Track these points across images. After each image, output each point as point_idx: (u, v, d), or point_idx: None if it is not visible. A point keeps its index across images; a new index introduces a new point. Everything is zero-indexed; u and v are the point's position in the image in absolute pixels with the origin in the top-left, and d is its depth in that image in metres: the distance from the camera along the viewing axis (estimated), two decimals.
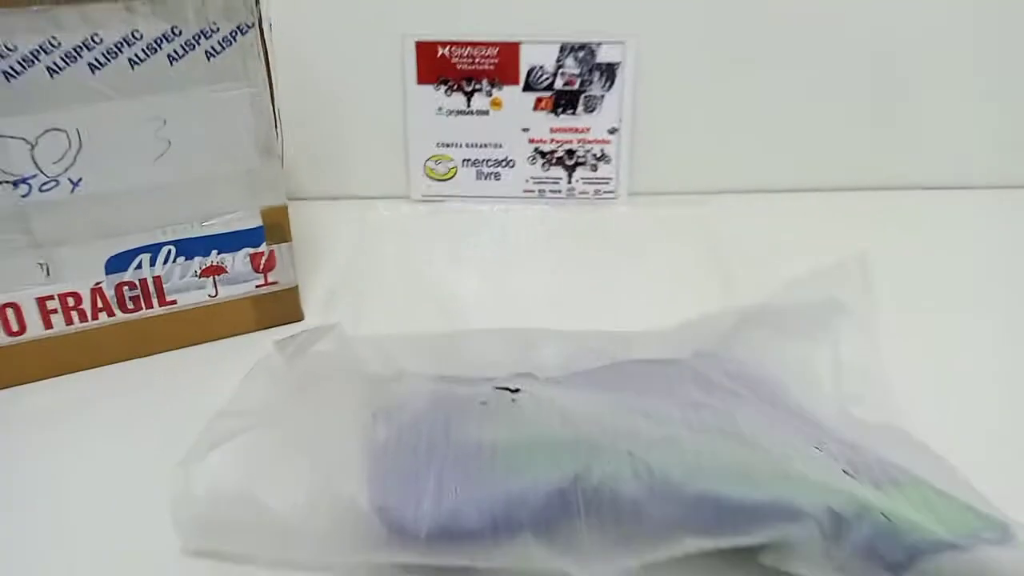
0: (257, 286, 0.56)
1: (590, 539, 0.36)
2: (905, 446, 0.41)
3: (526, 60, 0.69)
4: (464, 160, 0.72)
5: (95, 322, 0.52)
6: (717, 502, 0.35)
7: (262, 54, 0.49)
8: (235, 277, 0.55)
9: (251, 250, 0.54)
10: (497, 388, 0.42)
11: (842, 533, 0.34)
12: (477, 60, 0.69)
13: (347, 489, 0.38)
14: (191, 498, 0.39)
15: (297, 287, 0.57)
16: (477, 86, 0.70)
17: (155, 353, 0.54)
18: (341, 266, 0.64)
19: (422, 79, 0.70)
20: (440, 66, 0.69)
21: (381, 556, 0.38)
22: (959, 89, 0.70)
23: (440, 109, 0.70)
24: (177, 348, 0.55)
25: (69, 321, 0.52)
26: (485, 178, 0.72)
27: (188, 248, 0.52)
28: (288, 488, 0.38)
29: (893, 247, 0.62)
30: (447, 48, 0.68)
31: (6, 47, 0.43)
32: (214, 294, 0.55)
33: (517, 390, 0.42)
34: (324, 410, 0.43)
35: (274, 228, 0.54)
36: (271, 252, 0.55)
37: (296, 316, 0.58)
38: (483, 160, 0.72)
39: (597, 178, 0.72)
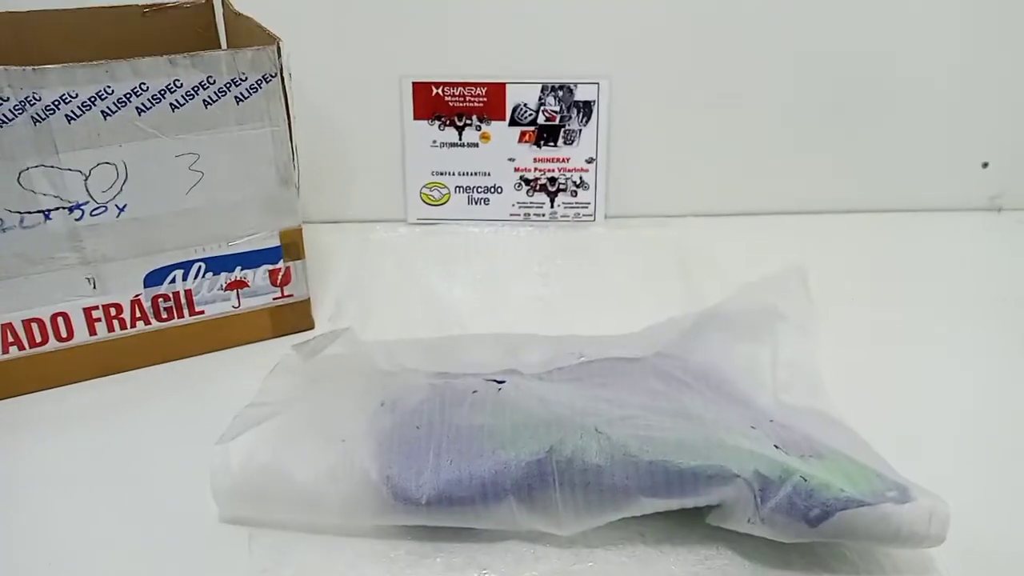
0: (274, 298, 0.63)
1: (563, 502, 0.44)
2: (827, 425, 0.48)
3: (512, 98, 0.77)
4: (456, 187, 0.80)
5: (133, 330, 0.60)
6: (666, 468, 0.43)
7: (283, 98, 0.57)
8: (255, 290, 0.62)
9: (270, 267, 0.62)
10: (486, 380, 0.50)
11: (768, 492, 0.42)
12: (468, 98, 0.77)
13: (360, 462, 0.45)
14: (228, 471, 0.46)
15: (309, 299, 0.65)
16: (468, 121, 0.78)
17: (185, 357, 0.62)
18: (346, 281, 0.72)
19: (418, 115, 0.78)
20: (434, 104, 0.77)
21: (388, 519, 0.45)
22: (903, 118, 0.79)
23: (435, 142, 0.78)
24: (204, 353, 0.62)
25: (111, 329, 0.59)
26: (475, 203, 0.80)
27: (216, 265, 0.60)
28: (310, 462, 0.46)
29: (830, 260, 0.70)
30: (440, 88, 0.77)
31: (69, 95, 0.51)
32: (237, 305, 0.62)
33: (503, 381, 0.50)
34: (338, 398, 0.50)
35: (291, 247, 0.62)
36: (287, 268, 0.62)
37: (308, 325, 0.65)
38: (474, 187, 0.80)
39: (576, 203, 0.80)
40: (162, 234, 0.58)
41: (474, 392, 0.49)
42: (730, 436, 0.45)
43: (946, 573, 0.43)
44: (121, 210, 0.56)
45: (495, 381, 0.50)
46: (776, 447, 0.45)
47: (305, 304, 0.65)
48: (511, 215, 0.80)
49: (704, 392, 0.51)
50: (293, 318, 0.64)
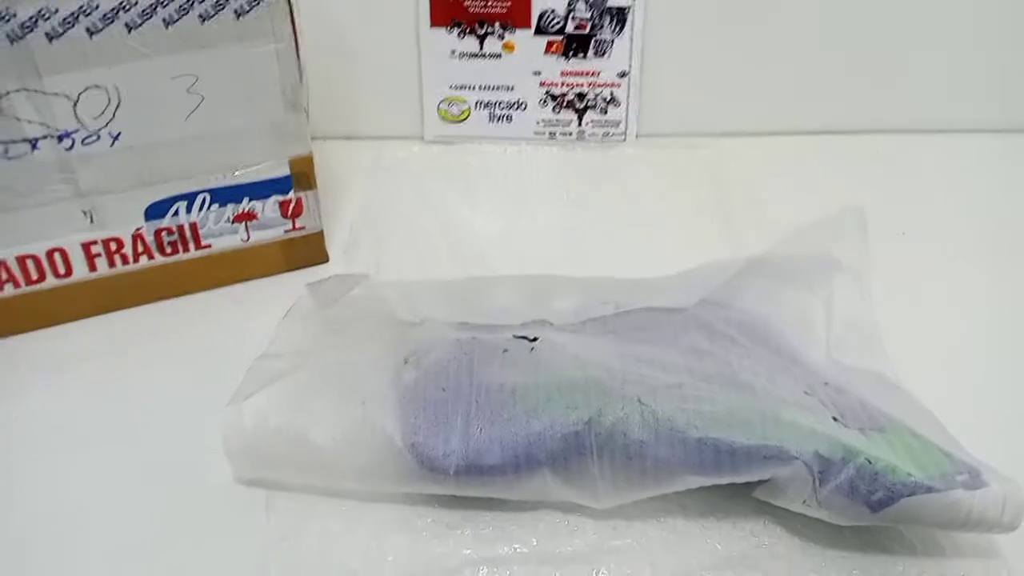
0: (286, 231, 0.59)
1: (601, 476, 0.41)
2: (886, 391, 0.45)
3: (537, 4, 0.70)
4: (477, 102, 0.74)
5: (136, 265, 0.56)
6: (716, 446, 0.39)
7: (288, 12, 0.51)
8: (265, 223, 0.58)
9: (280, 197, 0.57)
10: (516, 337, 0.46)
11: (828, 474, 0.39)
12: (489, 3, 0.70)
13: (382, 426, 0.42)
14: (242, 434, 0.43)
15: (322, 232, 0.60)
16: (489, 29, 0.71)
17: (192, 293, 0.58)
18: (360, 207, 0.67)
19: (435, 22, 0.71)
20: (453, 9, 0.70)
21: (414, 487, 0.42)
22: (962, 30, 0.72)
23: (453, 52, 0.72)
24: (212, 288, 0.58)
25: (112, 264, 0.55)
26: (497, 120, 0.74)
27: (221, 196, 0.55)
28: (328, 424, 0.43)
29: (891, 192, 0.65)
30: None
31: (47, 9, 0.45)
32: (246, 239, 0.58)
33: (535, 339, 0.46)
34: (357, 353, 0.47)
35: (301, 177, 0.57)
36: (298, 199, 0.58)
37: (322, 258, 0.61)
38: (495, 102, 0.74)
39: (606, 121, 0.74)
40: (162, 164, 0.53)
41: (504, 351, 0.45)
42: (786, 409, 0.41)
43: (1012, 558, 0.40)
44: (115, 138, 0.51)
45: (526, 339, 0.46)
46: (835, 419, 0.42)
47: (318, 236, 0.60)
48: (535, 133, 0.75)
49: (751, 348, 0.47)
50: (306, 251, 0.60)
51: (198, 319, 0.56)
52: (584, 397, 0.42)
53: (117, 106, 0.50)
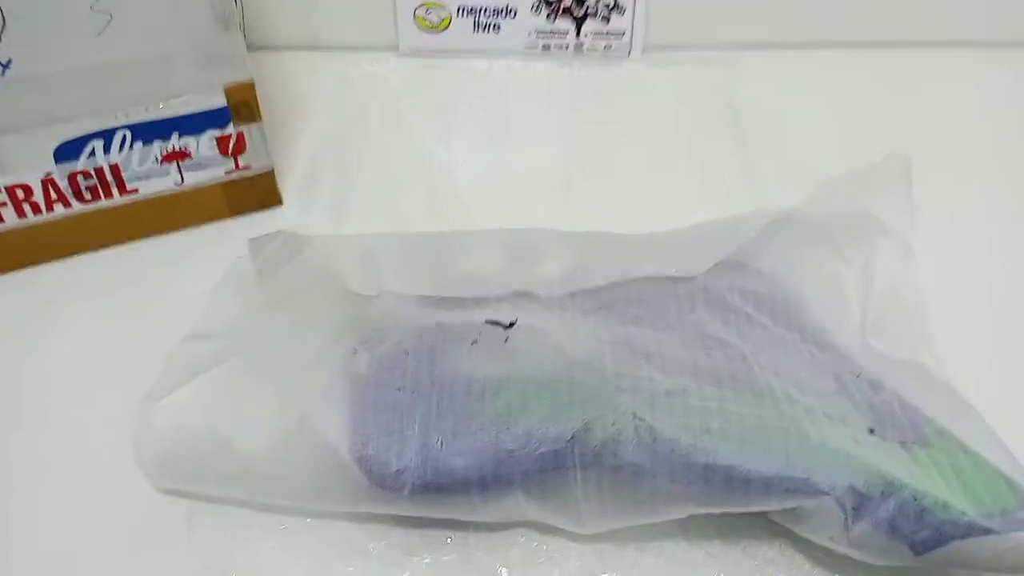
0: (227, 172, 0.50)
1: (586, 500, 0.34)
2: (931, 389, 0.37)
3: None
4: (459, 8, 0.63)
5: (51, 214, 0.47)
6: (728, 474, 0.32)
7: None
8: (202, 162, 0.49)
9: (217, 132, 0.48)
10: (488, 323, 0.38)
11: (864, 511, 0.32)
12: None
13: (325, 435, 0.35)
14: (156, 439, 0.36)
15: (273, 171, 0.52)
16: None
17: (120, 244, 0.50)
18: (321, 137, 0.57)
19: None
20: None
21: (362, 506, 0.35)
22: None
23: None
24: (143, 238, 0.50)
25: (21, 214, 0.47)
26: (483, 29, 0.64)
27: (145, 132, 0.47)
28: (261, 431, 0.36)
29: (930, 115, 0.55)
30: None
31: None
32: (180, 181, 0.49)
33: (510, 325, 0.38)
34: (300, 335, 0.39)
35: (241, 107, 0.48)
36: (239, 134, 0.49)
37: (274, 200, 0.53)
38: (481, 8, 0.63)
39: (609, 31, 0.64)
40: (68, 96, 0.44)
41: (473, 343, 0.37)
42: (814, 425, 0.34)
43: None
44: (5, 67, 0.42)
45: (500, 325, 0.38)
46: (871, 431, 0.34)
47: (268, 176, 0.52)
48: (527, 46, 0.64)
49: (771, 330, 0.40)
50: (254, 194, 0.52)
51: (127, 276, 0.49)
52: (567, 406, 0.34)
53: (3, 27, 0.40)
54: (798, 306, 0.42)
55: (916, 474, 0.32)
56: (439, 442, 0.34)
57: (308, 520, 0.36)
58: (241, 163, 0.50)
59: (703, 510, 0.33)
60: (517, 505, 0.34)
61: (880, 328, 0.40)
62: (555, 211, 0.50)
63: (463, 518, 0.35)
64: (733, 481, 0.32)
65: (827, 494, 0.31)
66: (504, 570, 0.35)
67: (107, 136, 0.46)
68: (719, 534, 0.36)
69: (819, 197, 0.43)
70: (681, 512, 0.34)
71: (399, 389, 0.36)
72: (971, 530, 0.31)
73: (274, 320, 0.40)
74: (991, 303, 0.44)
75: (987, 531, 0.31)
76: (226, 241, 0.46)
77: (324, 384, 0.37)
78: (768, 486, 0.32)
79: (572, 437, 0.33)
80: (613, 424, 0.33)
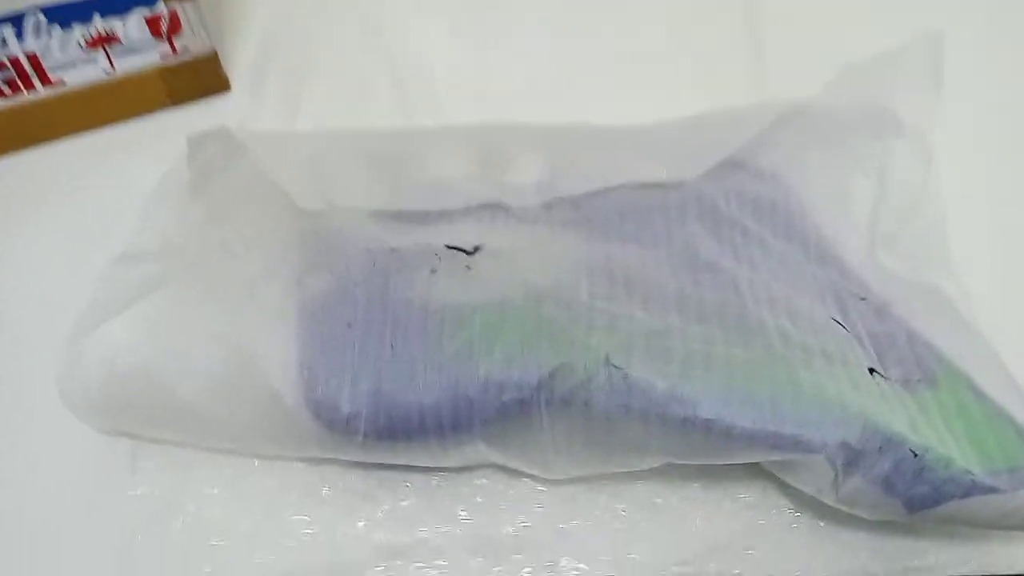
0: (163, 56, 0.44)
1: (555, 450, 0.31)
2: (944, 319, 0.33)
3: None
4: None
5: None
6: (708, 427, 0.29)
7: None
8: (132, 47, 0.43)
9: (146, 12, 0.42)
10: (449, 248, 0.34)
11: (856, 467, 0.29)
12: None
13: (269, 372, 0.32)
14: (84, 379, 0.33)
15: (215, 54, 0.46)
16: None
17: (47, 142, 0.45)
18: (275, 16, 0.51)
19: None
20: None
21: (312, 451, 0.33)
22: None
23: None
24: (75, 133, 0.45)
25: None
26: None
27: (61, 15, 0.41)
28: (200, 370, 0.32)
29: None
30: None
31: None
32: (110, 69, 0.44)
33: (474, 250, 0.34)
34: (241, 256, 0.35)
35: None
36: (172, 13, 0.43)
37: (220, 86, 0.47)
38: None
39: None
40: None
41: (432, 271, 0.33)
42: (808, 368, 0.30)
43: None
44: None
45: (463, 251, 0.34)
46: (872, 371, 0.31)
47: (210, 60, 0.46)
48: None
49: (768, 244, 0.35)
50: (196, 80, 0.46)
51: (57, 180, 0.44)
52: (535, 346, 0.30)
53: None
54: (802, 215, 0.37)
55: (918, 423, 0.29)
56: (393, 387, 0.31)
57: (257, 463, 0.34)
58: (177, 46, 0.44)
59: (680, 461, 0.30)
60: (478, 452, 0.32)
61: (892, 243, 0.36)
62: (542, 103, 0.44)
63: (421, 464, 0.32)
64: (713, 435, 0.29)
65: (818, 452, 0.28)
66: (466, 516, 0.33)
67: (16, 21, 0.40)
68: (698, 476, 0.33)
69: (834, 88, 0.38)
70: (656, 462, 0.31)
71: (349, 325, 0.32)
72: (974, 489, 0.28)
73: (212, 237, 0.36)
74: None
75: (992, 490, 0.28)
76: (171, 136, 0.41)
77: (267, 316, 0.33)
78: (752, 441, 0.29)
79: (538, 384, 0.30)
80: (584, 369, 0.30)
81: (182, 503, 0.33)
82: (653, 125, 0.41)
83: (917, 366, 0.32)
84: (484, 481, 0.33)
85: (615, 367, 0.29)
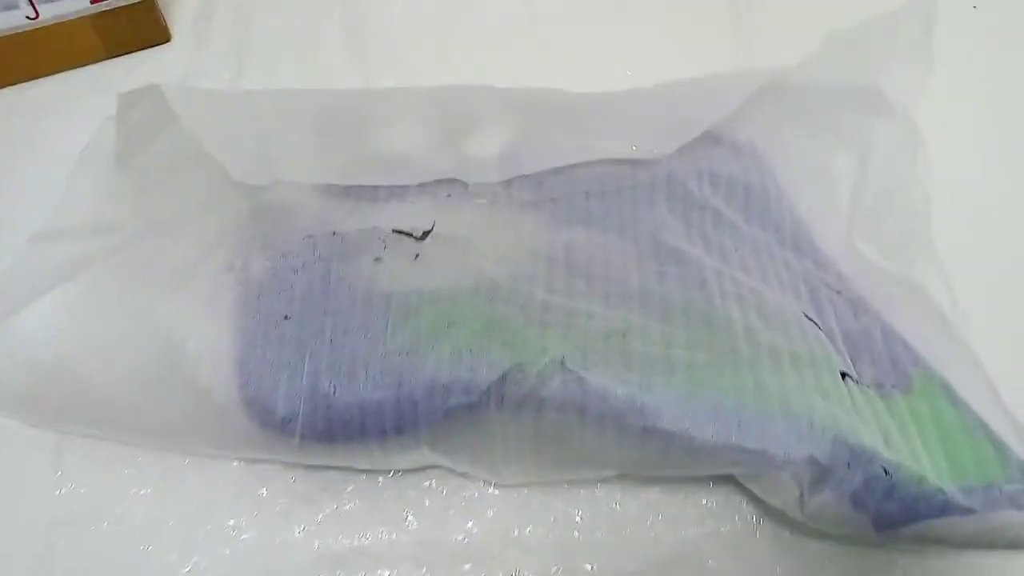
0: (93, 2, 0.40)
1: (505, 459, 0.29)
2: (923, 316, 0.31)
3: None
4: None
5: None
6: (667, 439, 0.27)
7: None
8: None
9: None
10: (396, 232, 0.31)
11: (823, 484, 0.27)
12: None
13: (199, 367, 0.29)
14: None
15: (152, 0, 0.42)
16: None
17: None
18: None
19: None
20: None
21: (246, 453, 0.30)
22: None
23: None
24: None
25: None
26: None
27: None
28: (122, 359, 0.30)
29: None
30: None
31: None
32: (33, 16, 0.40)
33: (424, 236, 0.31)
34: (171, 236, 0.32)
35: None
36: None
37: (158, 36, 0.44)
38: None
39: None
40: None
41: (376, 260, 0.31)
42: (776, 373, 0.28)
43: None
44: None
45: (412, 237, 0.31)
46: (844, 375, 0.29)
47: (146, 6, 0.42)
48: None
49: (741, 231, 0.33)
50: (132, 29, 0.43)
51: None
52: (485, 345, 0.28)
53: None
54: (778, 197, 0.35)
55: (891, 435, 0.27)
56: (332, 387, 0.29)
57: (189, 462, 0.31)
58: None
59: (637, 472, 0.28)
60: (423, 456, 0.30)
61: (872, 230, 0.33)
62: (509, 65, 0.41)
63: (362, 468, 0.30)
64: (674, 447, 0.27)
65: (781, 469, 0.26)
66: (413, 520, 0.31)
67: None
68: (659, 480, 0.31)
69: (818, 58, 0.35)
70: (612, 472, 0.29)
71: (286, 317, 0.30)
72: (947, 508, 0.26)
73: (141, 213, 0.33)
74: (1013, 208, 0.37)
75: (967, 511, 0.26)
76: (105, 92, 0.38)
77: (199, 305, 0.30)
78: (714, 454, 0.27)
79: (488, 388, 0.28)
80: (537, 373, 0.27)
81: (108, 504, 0.31)
82: (626, 92, 0.38)
83: (892, 368, 0.30)
84: (432, 483, 0.31)
85: (570, 371, 0.27)
